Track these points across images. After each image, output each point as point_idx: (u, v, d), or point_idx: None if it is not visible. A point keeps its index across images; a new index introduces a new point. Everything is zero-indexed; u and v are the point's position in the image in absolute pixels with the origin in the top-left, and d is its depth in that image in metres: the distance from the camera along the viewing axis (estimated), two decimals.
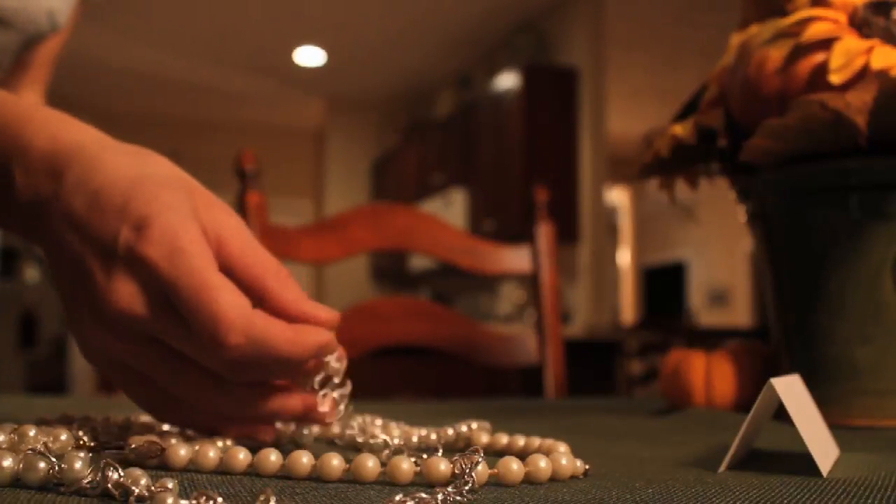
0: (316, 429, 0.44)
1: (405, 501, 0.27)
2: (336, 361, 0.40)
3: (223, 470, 0.34)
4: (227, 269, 0.38)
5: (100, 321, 0.37)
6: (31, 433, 0.36)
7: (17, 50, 0.75)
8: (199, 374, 0.37)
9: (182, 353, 0.37)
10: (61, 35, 0.82)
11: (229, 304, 0.35)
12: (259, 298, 0.38)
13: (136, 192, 0.37)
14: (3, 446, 0.35)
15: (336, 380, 0.41)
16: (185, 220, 0.37)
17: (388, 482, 0.32)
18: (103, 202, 0.37)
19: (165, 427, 0.44)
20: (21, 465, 0.29)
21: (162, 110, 6.66)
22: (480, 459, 0.31)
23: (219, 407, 0.38)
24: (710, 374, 0.67)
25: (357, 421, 0.48)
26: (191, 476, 0.33)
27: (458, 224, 4.88)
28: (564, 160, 4.41)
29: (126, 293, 0.36)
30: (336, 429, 0.47)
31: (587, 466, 0.35)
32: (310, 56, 5.51)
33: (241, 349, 0.35)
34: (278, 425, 0.42)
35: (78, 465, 0.28)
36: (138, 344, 0.37)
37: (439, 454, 0.32)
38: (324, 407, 0.41)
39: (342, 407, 0.42)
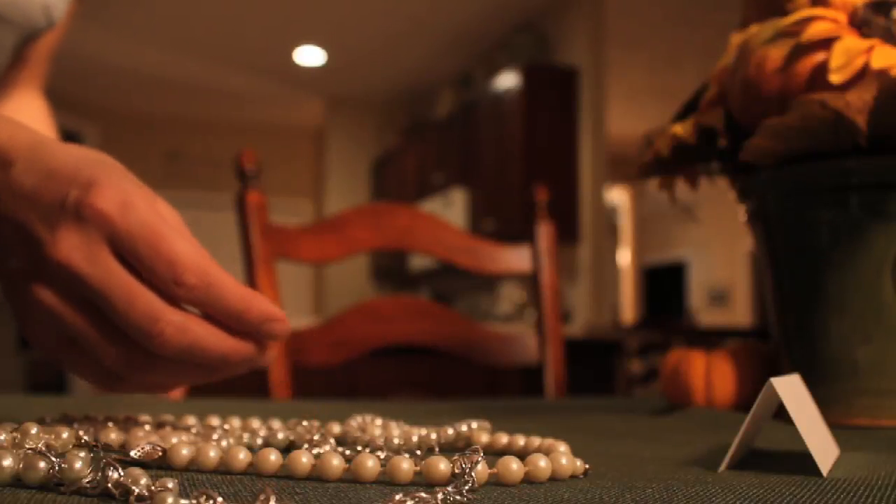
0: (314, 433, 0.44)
1: (405, 501, 0.27)
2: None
3: (223, 469, 0.34)
4: None
5: (42, 280, 0.37)
6: (33, 431, 0.36)
7: (13, 46, 0.74)
8: (130, 346, 0.38)
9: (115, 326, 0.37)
10: (57, 30, 0.82)
11: (185, 248, 0.37)
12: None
13: (85, 164, 0.38)
14: (5, 445, 0.35)
15: None
16: (134, 185, 0.38)
17: (387, 482, 0.32)
18: (55, 175, 0.38)
19: (167, 427, 0.44)
20: (21, 465, 0.29)
21: (162, 110, 6.66)
22: (480, 459, 0.31)
23: (146, 377, 0.39)
24: (710, 374, 0.67)
25: (357, 421, 0.48)
26: (191, 475, 0.33)
27: (458, 224, 4.87)
28: (564, 160, 4.40)
29: (68, 244, 0.36)
30: (336, 429, 0.47)
31: (587, 466, 0.35)
32: (310, 56, 5.51)
33: (197, 290, 0.37)
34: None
35: (78, 464, 0.28)
36: (77, 307, 0.37)
37: (436, 452, 0.32)
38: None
39: None
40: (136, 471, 0.27)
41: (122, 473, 0.28)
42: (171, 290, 0.36)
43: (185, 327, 0.37)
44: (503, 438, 0.44)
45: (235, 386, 1.09)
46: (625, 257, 8.91)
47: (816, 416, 0.42)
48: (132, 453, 0.33)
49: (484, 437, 0.45)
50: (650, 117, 6.27)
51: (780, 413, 0.41)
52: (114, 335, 0.37)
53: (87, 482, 0.28)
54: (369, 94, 6.28)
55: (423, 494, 0.28)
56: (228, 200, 4.28)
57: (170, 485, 0.27)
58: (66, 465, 0.28)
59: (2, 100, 0.83)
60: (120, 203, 0.36)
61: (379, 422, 0.49)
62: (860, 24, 0.56)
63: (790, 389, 0.38)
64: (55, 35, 0.82)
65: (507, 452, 0.42)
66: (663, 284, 8.58)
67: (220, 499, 0.25)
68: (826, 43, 0.55)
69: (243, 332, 0.39)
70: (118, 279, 0.36)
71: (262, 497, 0.25)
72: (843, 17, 0.57)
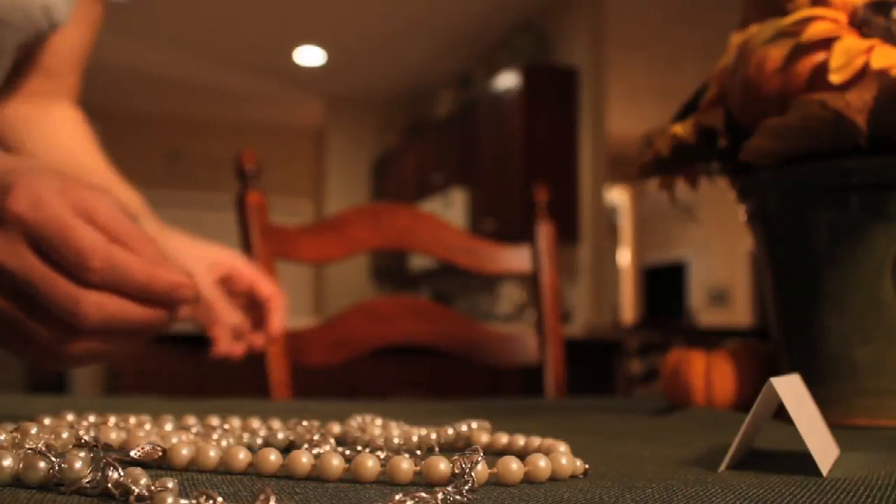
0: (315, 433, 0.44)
1: (405, 501, 0.27)
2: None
3: (223, 469, 0.34)
4: None
5: None
6: (33, 431, 0.36)
7: (14, 48, 0.74)
8: (57, 325, 0.42)
9: (44, 311, 0.41)
10: (81, 39, 0.81)
11: (90, 237, 0.41)
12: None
13: (9, 173, 0.42)
14: (5, 445, 0.35)
15: None
16: (47, 184, 0.42)
17: (387, 482, 0.32)
18: None
19: (167, 427, 0.44)
20: (21, 465, 0.29)
21: (162, 110, 6.65)
22: (480, 459, 0.31)
23: (74, 348, 0.43)
24: (710, 374, 0.67)
25: (357, 421, 0.48)
26: (191, 475, 0.33)
27: (458, 224, 4.87)
28: (564, 160, 4.40)
29: None
30: (336, 429, 0.47)
31: (587, 466, 0.35)
32: (310, 56, 5.51)
33: (103, 273, 0.41)
34: None
35: (78, 464, 0.28)
36: (8, 296, 0.41)
37: (436, 452, 0.32)
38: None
39: None
40: (136, 471, 0.27)
41: (122, 473, 0.28)
42: (82, 275, 0.41)
43: (100, 303, 0.42)
44: (503, 438, 0.44)
45: (235, 386, 1.09)
46: (625, 257, 8.91)
47: (816, 416, 0.42)
48: (132, 453, 0.33)
49: (484, 437, 0.45)
50: (650, 117, 6.27)
51: (780, 413, 0.41)
52: (42, 317, 0.42)
53: (87, 482, 0.28)
54: (369, 94, 6.28)
55: (423, 494, 0.28)
56: (228, 200, 4.28)
57: (170, 485, 0.27)
58: (66, 465, 0.28)
59: (5, 103, 0.82)
60: (31, 203, 0.41)
61: (379, 422, 0.49)
62: (860, 24, 0.56)
63: (790, 389, 0.38)
64: (79, 43, 0.82)
65: (507, 452, 0.42)
66: (663, 284, 8.58)
67: (220, 499, 0.25)
68: (826, 43, 0.55)
69: (155, 301, 0.44)
70: (38, 270, 0.41)
71: (262, 497, 0.25)
72: (843, 17, 0.57)
